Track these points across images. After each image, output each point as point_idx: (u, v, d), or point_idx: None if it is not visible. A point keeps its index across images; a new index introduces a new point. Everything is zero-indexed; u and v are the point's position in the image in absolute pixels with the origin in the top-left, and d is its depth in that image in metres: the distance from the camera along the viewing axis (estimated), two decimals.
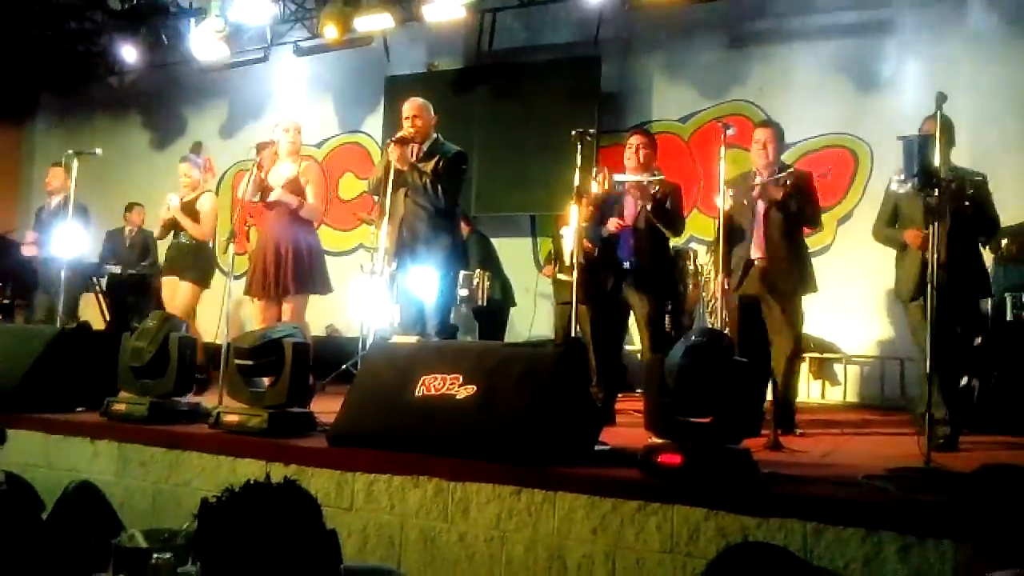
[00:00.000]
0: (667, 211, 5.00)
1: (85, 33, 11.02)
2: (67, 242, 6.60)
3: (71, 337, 5.12)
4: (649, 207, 4.92)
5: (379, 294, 5.62)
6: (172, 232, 6.39)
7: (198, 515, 1.76)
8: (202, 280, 6.31)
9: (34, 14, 10.63)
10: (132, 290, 8.28)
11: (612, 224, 5.02)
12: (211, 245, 6.53)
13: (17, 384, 4.73)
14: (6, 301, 8.34)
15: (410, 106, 5.13)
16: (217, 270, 6.79)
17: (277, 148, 5.58)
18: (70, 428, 4.44)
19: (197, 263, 6.26)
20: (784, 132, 5.08)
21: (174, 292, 6.26)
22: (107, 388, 4.67)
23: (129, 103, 11.64)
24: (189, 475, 4.05)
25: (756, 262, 4.75)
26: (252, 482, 1.74)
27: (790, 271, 4.76)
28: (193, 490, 3.94)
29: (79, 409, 4.72)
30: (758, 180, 4.85)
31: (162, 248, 7.06)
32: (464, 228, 7.55)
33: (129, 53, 9.94)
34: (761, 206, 4.79)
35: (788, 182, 4.73)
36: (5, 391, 4.68)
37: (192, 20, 9.19)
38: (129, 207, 9.06)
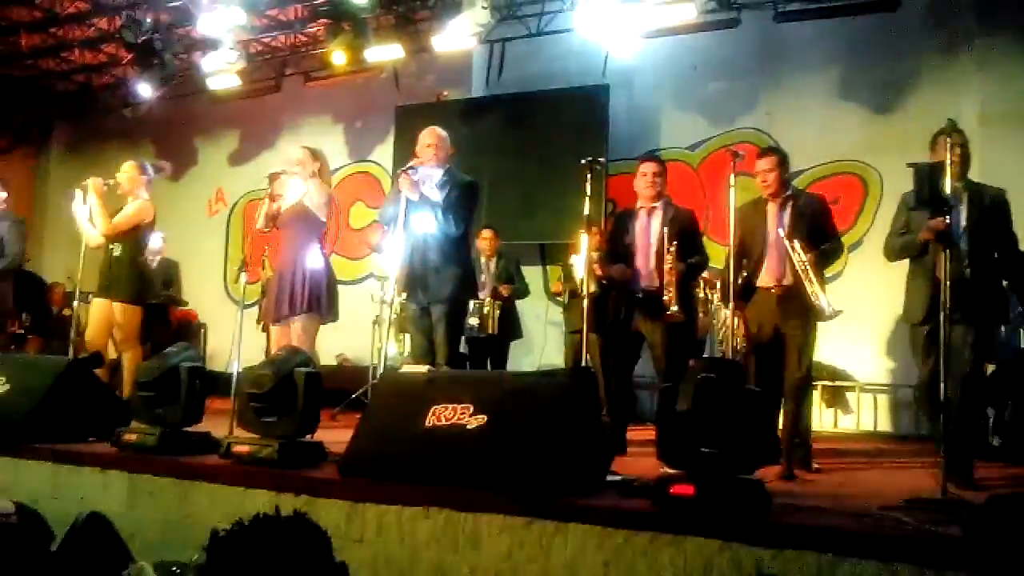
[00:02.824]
0: None
1: (99, 65, 11.18)
2: None
3: (83, 367, 5.13)
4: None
5: (390, 323, 5.61)
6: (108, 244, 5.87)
7: (207, 547, 1.75)
8: (137, 298, 5.87)
9: (49, 46, 10.80)
10: (153, 318, 8.25)
11: (618, 272, 5.01)
12: (137, 258, 5.99)
13: (27, 414, 4.69)
14: (21, 331, 8.39)
15: (428, 134, 5.16)
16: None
17: (288, 177, 5.58)
18: (80, 459, 4.42)
19: (125, 279, 5.82)
20: (787, 157, 5.06)
21: (106, 315, 5.84)
22: (119, 418, 4.67)
23: (142, 133, 11.78)
24: (199, 506, 4.02)
25: (772, 290, 4.69)
26: (261, 515, 1.73)
27: (806, 297, 4.70)
28: (203, 521, 3.91)
29: (90, 439, 4.71)
30: (769, 208, 4.83)
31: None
32: (492, 245, 7.58)
33: (142, 86, 10.07)
34: (772, 234, 4.76)
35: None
36: (16, 421, 4.66)
37: (205, 52, 9.30)
38: None
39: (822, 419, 7.58)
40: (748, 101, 8.61)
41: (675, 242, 5.00)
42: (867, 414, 7.70)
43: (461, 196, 5.04)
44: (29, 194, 12.17)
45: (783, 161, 4.89)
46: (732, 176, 4.57)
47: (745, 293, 4.78)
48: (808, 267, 4.54)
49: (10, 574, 2.86)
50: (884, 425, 7.62)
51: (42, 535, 3.22)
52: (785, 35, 8.35)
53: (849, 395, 7.74)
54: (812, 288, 4.52)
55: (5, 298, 6.21)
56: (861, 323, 7.22)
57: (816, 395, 7.59)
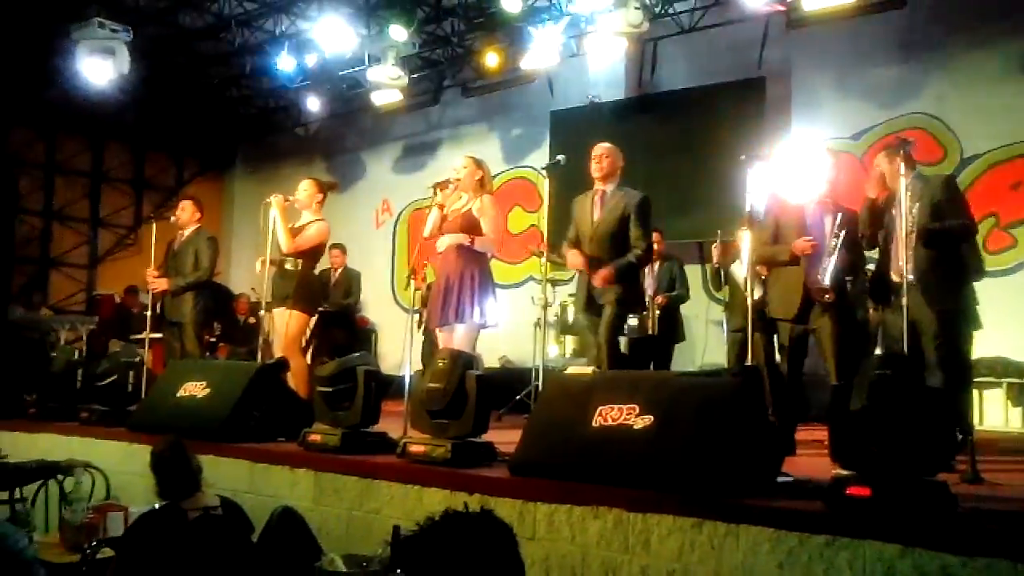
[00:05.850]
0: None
1: (273, 89, 11.95)
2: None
3: (271, 372, 5.52)
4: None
5: (550, 325, 5.70)
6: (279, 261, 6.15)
7: (391, 542, 1.86)
8: (308, 308, 6.11)
9: (231, 75, 11.64)
10: (337, 325, 8.76)
11: (803, 246, 4.87)
12: (311, 272, 6.30)
13: (226, 417, 5.12)
14: (213, 339, 9.10)
15: (606, 151, 5.28)
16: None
17: (454, 186, 5.76)
18: (272, 457, 4.77)
19: (299, 290, 6.04)
20: (899, 145, 4.68)
21: (283, 322, 6.07)
22: (303, 420, 5.00)
23: (313, 150, 12.49)
24: (379, 503, 4.25)
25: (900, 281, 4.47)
26: (450, 511, 1.83)
27: (938, 288, 4.43)
28: (383, 517, 4.13)
29: (279, 439, 5.07)
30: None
31: None
32: (656, 248, 7.53)
33: (313, 104, 10.67)
34: (899, 221, 4.52)
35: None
36: (215, 423, 5.10)
37: (368, 69, 9.74)
38: (331, 248, 9.45)
39: (1008, 419, 7.09)
40: (915, 85, 8.17)
41: (843, 231, 4.86)
42: None
43: (639, 215, 5.13)
44: (218, 212, 13.15)
45: (891, 153, 4.64)
46: (902, 164, 4.39)
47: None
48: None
49: (219, 561, 3.14)
50: None
51: (244, 526, 3.51)
52: (954, 11, 7.88)
53: None
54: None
55: (206, 309, 6.74)
56: None
57: (1001, 393, 7.16)
